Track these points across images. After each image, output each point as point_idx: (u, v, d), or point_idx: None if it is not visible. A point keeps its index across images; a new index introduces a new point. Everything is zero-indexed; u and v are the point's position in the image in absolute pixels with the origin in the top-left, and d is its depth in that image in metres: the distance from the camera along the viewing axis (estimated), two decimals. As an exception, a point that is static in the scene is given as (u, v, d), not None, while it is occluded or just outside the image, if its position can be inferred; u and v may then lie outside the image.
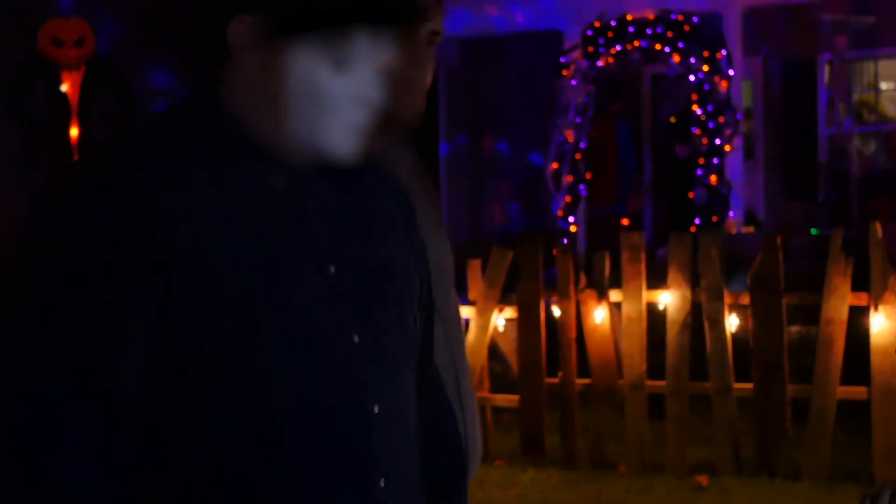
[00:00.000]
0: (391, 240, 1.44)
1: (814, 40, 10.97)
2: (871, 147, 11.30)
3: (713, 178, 9.99)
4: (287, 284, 1.31)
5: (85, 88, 8.56)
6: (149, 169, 1.29)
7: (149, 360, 1.27)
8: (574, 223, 10.39)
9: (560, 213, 10.45)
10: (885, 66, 11.21)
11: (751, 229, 10.18)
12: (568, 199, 10.50)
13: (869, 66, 11.27)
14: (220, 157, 1.33)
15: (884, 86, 11.32)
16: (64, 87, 8.51)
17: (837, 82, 10.67)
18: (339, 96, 1.31)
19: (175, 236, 1.27)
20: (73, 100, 8.55)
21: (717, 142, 9.99)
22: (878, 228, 5.57)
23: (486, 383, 6.16)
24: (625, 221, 10.54)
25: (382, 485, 1.36)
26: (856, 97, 11.09)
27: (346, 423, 1.33)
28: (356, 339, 1.35)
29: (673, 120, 10.54)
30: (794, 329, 6.80)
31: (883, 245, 5.52)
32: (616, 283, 5.90)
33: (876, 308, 5.47)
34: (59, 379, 1.26)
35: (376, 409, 1.35)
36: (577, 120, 10.58)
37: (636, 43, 10.34)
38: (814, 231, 9.85)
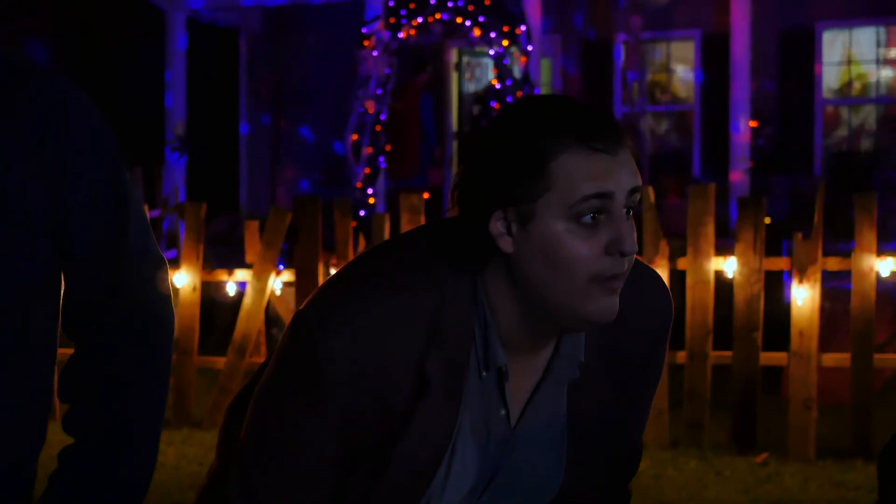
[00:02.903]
0: (9, 165, 1.35)
1: (610, 21, 11.18)
2: (663, 126, 11.61)
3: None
4: None
5: None
6: None
7: None
8: (373, 195, 10.30)
9: (359, 185, 10.35)
10: (677, 47, 11.53)
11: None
12: (367, 170, 10.41)
13: (662, 48, 11.58)
14: None
15: (676, 67, 11.64)
16: None
17: (632, 62, 10.90)
18: None
19: None
20: None
21: (516, 116, 10.06)
22: (651, 193, 5.67)
23: (263, 349, 6.00)
24: (426, 195, 10.52)
25: None
26: (649, 77, 11.36)
27: None
28: None
29: (480, 94, 10.59)
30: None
31: (655, 209, 5.62)
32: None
33: (647, 272, 5.56)
34: None
35: None
36: (378, 91, 10.49)
37: (437, 15, 10.32)
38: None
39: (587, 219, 1.38)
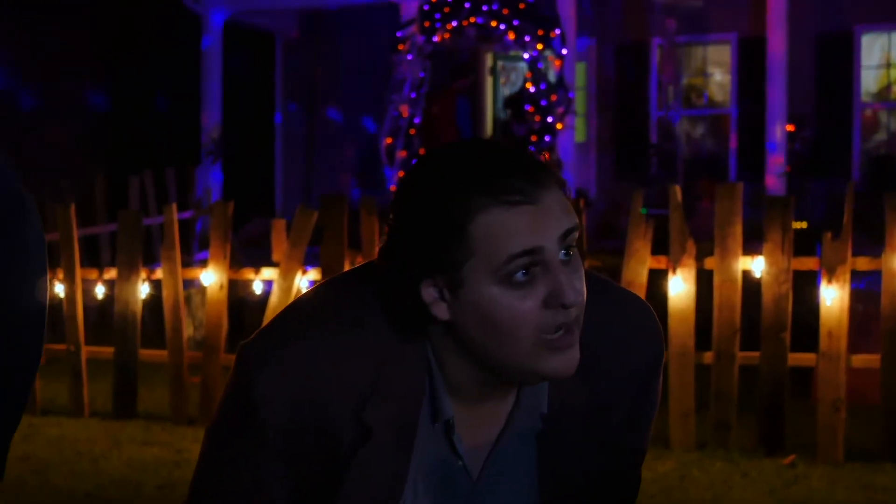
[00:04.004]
0: None
1: (646, 24, 11.13)
2: (698, 130, 11.53)
3: (545, 156, 10.02)
4: None
5: None
6: None
7: None
8: (406, 198, 10.34)
9: (393, 188, 10.38)
10: (713, 51, 11.46)
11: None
12: (401, 174, 10.44)
13: (698, 51, 11.50)
14: None
15: (712, 71, 11.56)
16: None
17: (668, 66, 10.84)
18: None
19: None
20: None
21: (550, 119, 10.05)
22: (678, 192, 5.62)
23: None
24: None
25: None
26: (685, 81, 11.29)
27: None
28: None
29: (513, 97, 10.59)
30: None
31: (681, 209, 5.57)
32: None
33: (674, 271, 5.52)
34: None
35: None
36: (413, 95, 10.52)
37: (472, 19, 10.34)
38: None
39: (519, 276, 1.28)
